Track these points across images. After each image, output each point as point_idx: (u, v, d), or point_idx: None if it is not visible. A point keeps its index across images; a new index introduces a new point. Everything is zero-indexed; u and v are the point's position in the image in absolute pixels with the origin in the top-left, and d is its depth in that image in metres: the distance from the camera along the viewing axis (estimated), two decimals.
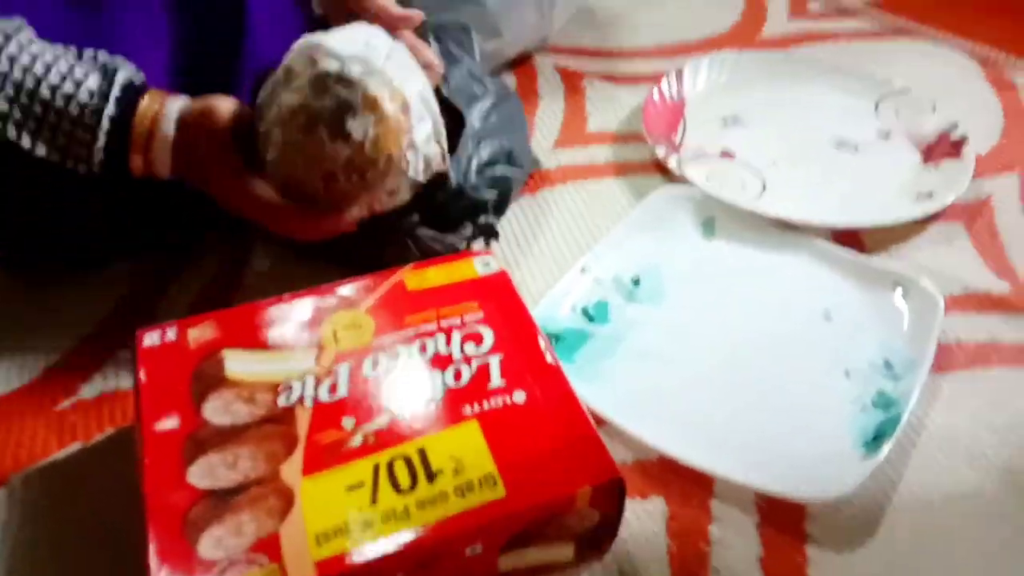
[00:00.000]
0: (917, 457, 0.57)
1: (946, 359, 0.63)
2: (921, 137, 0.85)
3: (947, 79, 0.95)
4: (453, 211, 0.67)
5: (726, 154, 0.83)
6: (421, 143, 0.57)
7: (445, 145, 0.60)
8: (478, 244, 0.69)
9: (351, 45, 0.55)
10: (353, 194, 0.56)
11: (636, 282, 0.69)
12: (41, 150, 0.54)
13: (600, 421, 0.57)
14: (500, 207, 0.70)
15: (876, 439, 0.56)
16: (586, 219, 0.77)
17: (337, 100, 0.53)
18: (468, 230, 0.67)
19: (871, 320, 0.65)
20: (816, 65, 0.94)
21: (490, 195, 0.68)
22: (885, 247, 0.73)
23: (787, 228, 0.73)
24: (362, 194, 0.56)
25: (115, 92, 0.54)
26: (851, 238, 0.73)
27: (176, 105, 0.56)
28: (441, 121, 0.60)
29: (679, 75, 0.91)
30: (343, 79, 0.53)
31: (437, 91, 0.67)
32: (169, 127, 0.55)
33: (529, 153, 0.75)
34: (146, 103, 0.55)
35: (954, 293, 0.69)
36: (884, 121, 0.87)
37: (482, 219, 0.68)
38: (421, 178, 0.58)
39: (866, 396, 0.60)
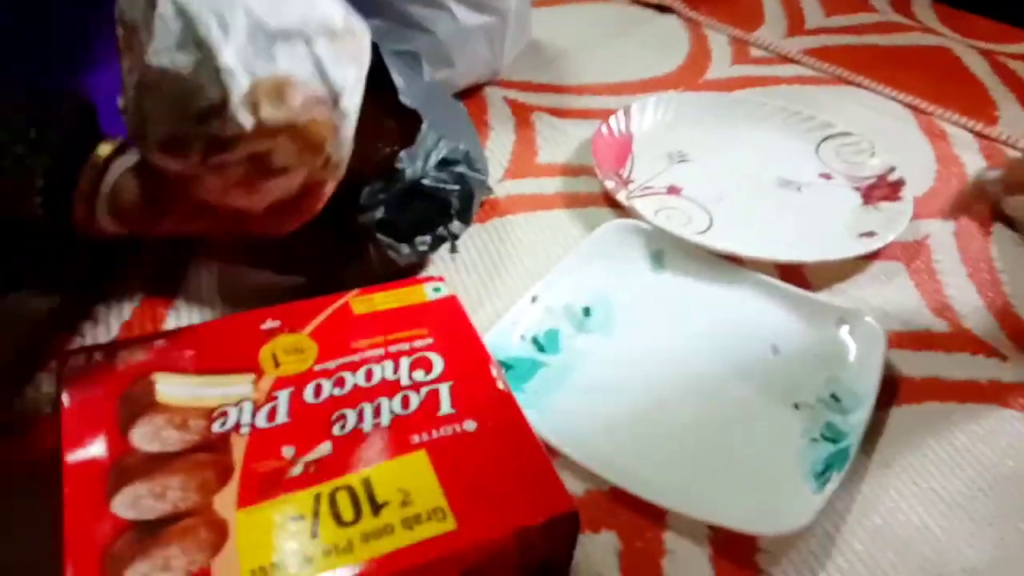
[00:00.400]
0: (867, 489, 0.57)
1: (892, 394, 0.64)
2: (861, 179, 0.87)
3: (883, 125, 0.98)
4: (414, 212, 0.65)
5: (673, 189, 0.84)
6: None
7: None
8: (438, 253, 0.67)
9: None
10: None
11: (587, 312, 0.68)
12: None
13: (551, 452, 0.55)
14: (464, 213, 0.69)
15: (825, 471, 0.56)
16: (537, 249, 0.76)
17: None
18: (427, 240, 0.66)
19: (818, 354, 0.66)
20: (760, 107, 0.96)
21: (452, 191, 0.67)
22: (828, 284, 0.74)
23: (734, 262, 0.74)
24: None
25: None
26: (795, 274, 0.74)
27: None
28: None
29: (627, 112, 0.92)
30: None
31: (393, 93, 0.66)
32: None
33: (486, 162, 0.74)
34: None
35: (896, 329, 0.70)
36: (825, 162, 0.89)
37: (442, 229, 0.67)
38: None
39: (815, 429, 0.60)
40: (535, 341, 0.66)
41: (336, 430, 0.47)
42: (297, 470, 0.45)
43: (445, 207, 0.68)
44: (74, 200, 0.51)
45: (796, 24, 1.22)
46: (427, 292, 0.57)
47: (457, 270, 0.73)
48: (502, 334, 0.65)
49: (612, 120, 0.90)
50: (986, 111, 1.03)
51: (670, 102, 0.95)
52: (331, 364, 0.51)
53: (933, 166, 0.92)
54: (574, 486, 0.56)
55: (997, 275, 0.77)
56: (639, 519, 0.54)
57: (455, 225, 0.69)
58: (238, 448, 0.46)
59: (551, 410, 0.60)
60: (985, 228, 0.83)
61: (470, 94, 0.96)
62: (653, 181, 0.85)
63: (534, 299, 0.68)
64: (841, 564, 0.53)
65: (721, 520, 0.52)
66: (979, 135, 0.98)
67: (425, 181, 0.65)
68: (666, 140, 0.91)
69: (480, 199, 0.73)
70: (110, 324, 0.64)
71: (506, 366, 0.63)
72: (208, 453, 0.45)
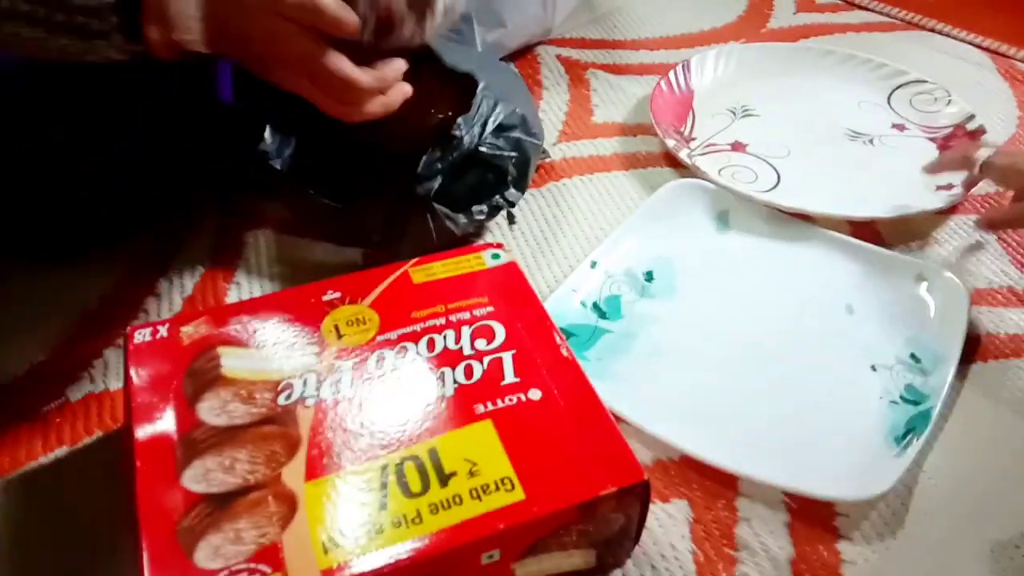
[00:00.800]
0: (945, 448, 0.54)
1: (973, 351, 0.61)
2: (936, 129, 0.82)
3: (959, 71, 0.93)
4: (471, 179, 0.64)
5: (738, 146, 0.81)
6: None
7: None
8: (495, 220, 0.66)
9: None
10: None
11: (649, 277, 0.67)
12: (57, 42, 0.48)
13: (617, 421, 0.54)
14: (520, 180, 0.68)
15: (907, 434, 0.53)
16: (595, 213, 0.74)
17: None
18: (484, 209, 0.65)
19: (896, 313, 0.63)
20: (826, 56, 0.91)
21: (509, 159, 0.66)
22: (905, 241, 0.71)
23: (803, 220, 0.71)
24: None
25: None
26: (869, 231, 0.71)
27: None
28: None
29: (686, 66, 0.89)
30: None
31: (440, 61, 0.65)
32: None
33: (541, 126, 0.72)
34: None
35: (978, 287, 0.66)
36: (898, 112, 0.85)
37: (498, 197, 0.65)
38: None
39: (894, 391, 0.57)
40: (596, 307, 0.64)
41: (402, 398, 0.46)
42: (363, 443, 0.44)
43: (502, 174, 0.67)
44: None
45: None
46: (486, 259, 0.56)
47: (515, 236, 0.71)
48: (562, 301, 0.63)
49: (671, 75, 0.87)
50: None
51: (731, 54, 0.92)
52: (393, 334, 0.50)
53: (1015, 112, 0.87)
54: (642, 455, 0.54)
55: None
56: (711, 487, 0.53)
57: (512, 193, 0.67)
58: (304, 420, 0.46)
59: (615, 378, 0.59)
60: None
61: (522, 54, 0.94)
62: (716, 138, 0.82)
63: (594, 264, 0.67)
64: (922, 525, 0.50)
65: (798, 486, 0.51)
66: None
67: (482, 148, 0.64)
68: (728, 94, 0.88)
69: (536, 164, 0.72)
70: (172, 299, 0.64)
71: (567, 333, 0.61)
72: (275, 426, 0.45)
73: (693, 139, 0.81)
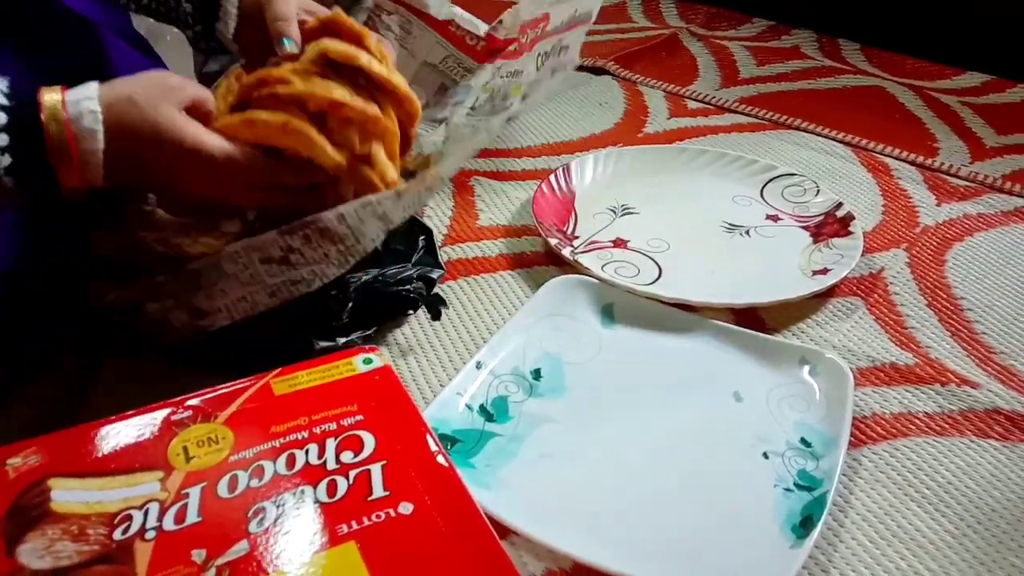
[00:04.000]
0: (848, 538, 0.53)
1: (864, 434, 0.60)
2: (809, 217, 0.85)
3: (826, 164, 0.98)
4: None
5: (619, 242, 0.81)
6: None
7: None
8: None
9: None
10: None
11: (536, 375, 0.64)
12: None
13: (505, 531, 0.51)
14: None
15: (803, 522, 0.51)
16: (481, 313, 0.72)
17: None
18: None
19: (783, 398, 0.62)
20: (700, 155, 0.95)
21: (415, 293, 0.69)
22: (786, 325, 0.71)
23: (687, 310, 0.70)
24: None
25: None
26: (751, 318, 0.71)
27: (92, 88, 0.49)
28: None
29: (567, 170, 0.90)
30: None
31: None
32: (91, 104, 0.48)
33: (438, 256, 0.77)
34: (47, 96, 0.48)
35: (861, 366, 0.67)
36: (771, 204, 0.88)
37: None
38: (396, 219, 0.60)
39: (788, 478, 0.55)
40: (483, 409, 0.61)
41: (254, 526, 0.42)
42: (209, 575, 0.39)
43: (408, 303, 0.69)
44: None
45: (730, 76, 1.22)
46: (357, 365, 0.53)
47: (396, 340, 0.69)
48: (446, 405, 0.60)
49: (552, 178, 0.88)
50: (925, 143, 1.03)
51: (610, 156, 0.94)
52: (248, 453, 0.46)
53: (879, 200, 0.91)
54: (532, 566, 0.51)
55: (956, 301, 0.75)
56: None
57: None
58: (142, 556, 0.40)
59: (503, 484, 0.55)
60: (939, 256, 0.81)
61: None
62: (598, 235, 0.82)
63: (479, 365, 0.64)
64: None
65: None
66: (921, 167, 0.97)
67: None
68: (608, 194, 0.89)
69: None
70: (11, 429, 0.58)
71: (452, 439, 0.58)
72: (108, 565, 0.40)
73: (576, 237, 0.82)
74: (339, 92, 0.57)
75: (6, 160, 0.47)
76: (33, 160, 0.47)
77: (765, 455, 0.57)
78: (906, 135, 1.04)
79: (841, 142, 1.03)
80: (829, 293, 0.75)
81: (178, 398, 0.50)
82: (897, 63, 1.26)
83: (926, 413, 0.62)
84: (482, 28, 0.80)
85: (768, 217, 0.86)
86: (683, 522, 0.53)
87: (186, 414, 0.48)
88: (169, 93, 0.52)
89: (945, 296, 0.75)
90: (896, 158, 0.99)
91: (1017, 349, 0.69)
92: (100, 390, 0.62)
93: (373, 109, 0.58)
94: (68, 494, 0.43)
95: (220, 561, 0.40)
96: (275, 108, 0.56)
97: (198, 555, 0.40)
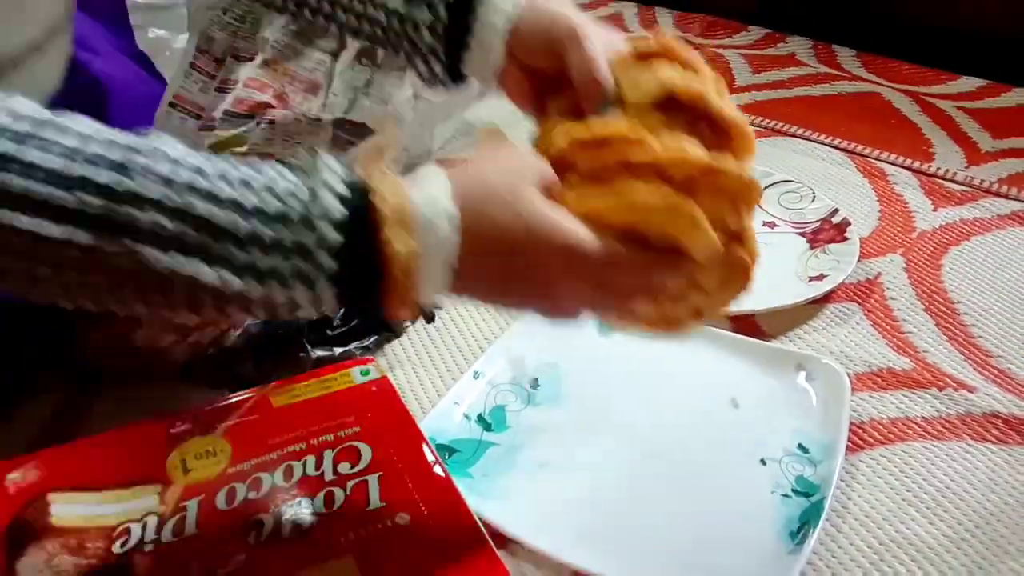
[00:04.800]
0: (847, 543, 0.53)
1: (862, 439, 0.61)
2: (805, 224, 0.85)
3: (822, 171, 0.98)
4: None
5: None
6: None
7: None
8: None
9: None
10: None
11: (535, 384, 0.65)
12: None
13: (504, 540, 0.51)
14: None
15: (801, 528, 0.51)
16: (478, 323, 0.72)
17: None
18: (367, 344, 0.64)
19: (780, 404, 0.62)
20: None
21: None
22: (783, 332, 0.71)
23: None
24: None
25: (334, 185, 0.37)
26: (748, 325, 0.71)
27: (439, 178, 0.39)
28: None
29: None
30: None
31: None
32: (446, 204, 0.38)
33: None
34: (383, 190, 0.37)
35: (858, 372, 0.67)
36: (768, 211, 0.88)
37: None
38: None
39: (785, 484, 0.55)
40: (480, 419, 0.61)
41: (251, 539, 0.42)
42: None
43: None
44: None
45: (726, 83, 1.23)
46: (355, 377, 0.53)
47: (394, 351, 0.69)
48: (444, 415, 0.60)
49: None
50: (921, 148, 1.03)
51: None
52: (246, 465, 0.46)
53: (876, 206, 0.91)
54: (532, 574, 0.51)
55: (953, 306, 0.75)
56: None
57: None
58: (141, 569, 0.41)
59: (502, 494, 0.55)
60: (936, 261, 0.81)
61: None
62: None
63: (477, 375, 0.64)
64: None
65: None
66: (918, 172, 0.98)
67: None
68: None
69: None
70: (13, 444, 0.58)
71: (450, 450, 0.58)
72: None
73: None
74: (706, 153, 0.43)
75: (329, 263, 0.36)
76: (364, 274, 0.37)
77: (763, 461, 0.57)
78: (902, 140, 1.04)
79: (837, 148, 1.03)
80: (826, 299, 0.75)
81: (176, 411, 0.50)
82: (893, 69, 1.26)
83: (923, 417, 0.63)
84: None
85: (765, 224, 0.86)
86: (681, 529, 0.53)
87: (184, 427, 0.49)
88: (526, 174, 0.41)
89: (942, 300, 0.76)
90: (892, 163, 0.99)
91: (1014, 352, 0.69)
92: (100, 406, 0.62)
93: (748, 172, 0.44)
94: (67, 508, 0.44)
95: (218, 573, 0.40)
96: (627, 178, 0.42)
97: (196, 568, 0.41)
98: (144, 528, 0.43)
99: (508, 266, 0.40)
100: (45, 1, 0.51)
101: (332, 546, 0.42)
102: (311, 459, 0.47)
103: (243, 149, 0.67)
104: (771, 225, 0.86)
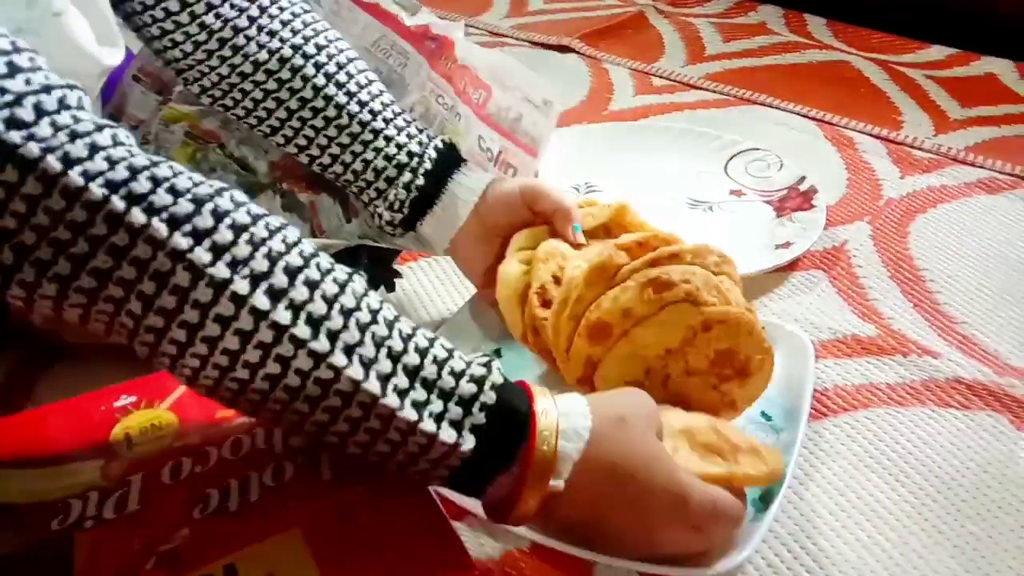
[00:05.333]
0: (808, 511, 0.52)
1: (825, 406, 0.60)
2: (772, 192, 0.85)
3: (790, 139, 0.97)
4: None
5: None
6: None
7: None
8: None
9: None
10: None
11: (498, 353, 0.64)
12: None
13: (462, 512, 0.50)
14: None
15: (764, 496, 0.51)
16: (442, 295, 0.71)
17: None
18: None
19: None
20: (664, 132, 0.94)
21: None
22: (749, 299, 0.70)
23: None
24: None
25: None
26: None
27: (581, 402, 0.43)
28: None
29: None
30: None
31: None
32: (583, 422, 0.41)
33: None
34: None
35: (823, 339, 0.67)
36: (735, 179, 0.87)
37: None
38: None
39: None
40: None
41: (197, 513, 0.41)
42: (149, 564, 0.38)
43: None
44: None
45: (696, 52, 1.22)
46: None
47: None
48: None
49: None
50: (890, 117, 1.03)
51: (573, 135, 0.93)
52: (193, 438, 0.45)
53: (844, 174, 0.91)
54: (491, 547, 0.50)
55: (919, 273, 0.74)
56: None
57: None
58: (81, 546, 0.39)
59: None
60: (902, 228, 0.81)
61: None
62: None
63: None
64: None
65: (655, 566, 0.47)
66: (886, 140, 0.97)
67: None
68: (573, 173, 0.88)
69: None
70: None
71: None
72: (45, 555, 0.39)
73: None
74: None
75: (466, 447, 0.39)
76: (494, 467, 0.40)
77: None
78: (871, 109, 1.04)
79: (806, 117, 1.03)
80: (791, 267, 0.74)
81: (122, 384, 0.48)
82: (862, 37, 1.26)
83: (887, 384, 0.62)
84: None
85: (732, 192, 0.85)
86: None
87: (129, 400, 0.47)
88: (654, 418, 0.45)
89: (908, 268, 0.75)
90: (860, 132, 0.99)
91: (978, 319, 0.69)
92: (49, 379, 0.60)
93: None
94: (6, 483, 0.42)
95: (161, 549, 0.39)
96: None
97: (139, 543, 0.39)
98: (85, 504, 0.41)
99: (609, 493, 0.42)
100: None
101: (280, 519, 0.40)
102: (260, 431, 0.45)
103: (185, 126, 0.65)
104: (738, 194, 0.85)
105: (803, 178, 0.85)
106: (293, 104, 0.58)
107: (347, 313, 0.38)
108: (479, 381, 0.40)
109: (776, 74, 1.15)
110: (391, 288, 0.69)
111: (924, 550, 0.50)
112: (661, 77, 1.14)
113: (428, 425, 0.38)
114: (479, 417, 0.40)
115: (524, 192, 0.60)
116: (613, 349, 0.52)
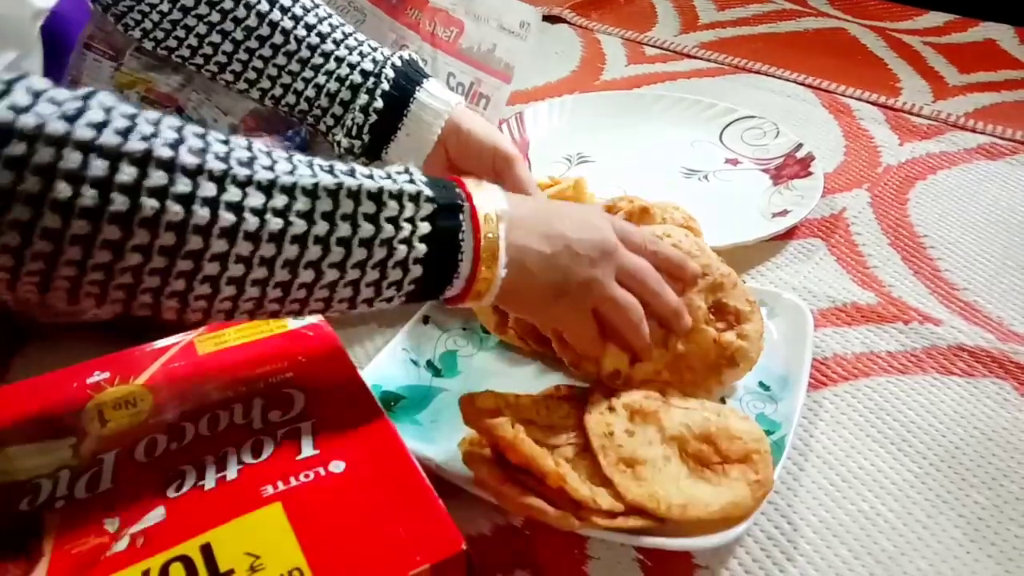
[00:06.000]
0: (808, 482, 0.51)
1: (824, 375, 0.59)
2: (768, 160, 0.82)
3: (787, 107, 0.95)
4: None
5: None
6: None
7: None
8: None
9: None
10: None
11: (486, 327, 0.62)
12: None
13: (454, 489, 0.48)
14: None
15: None
16: None
17: None
18: None
19: None
20: (657, 101, 0.92)
21: None
22: (745, 268, 0.69)
23: None
24: None
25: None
26: None
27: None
28: None
29: (519, 118, 0.87)
30: None
31: None
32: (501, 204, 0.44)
33: None
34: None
35: (822, 307, 0.65)
36: (730, 148, 0.85)
37: None
38: None
39: None
40: (430, 365, 0.58)
41: (171, 491, 0.39)
42: (121, 544, 0.37)
43: None
44: None
45: (690, 21, 1.19)
46: (288, 320, 0.50)
47: None
48: (391, 362, 0.57)
49: (505, 127, 0.85)
50: (888, 84, 1.01)
51: (564, 104, 0.90)
52: (168, 415, 0.43)
53: (841, 141, 0.89)
54: (481, 523, 0.48)
55: (919, 239, 0.73)
56: (557, 553, 0.47)
57: None
58: (50, 527, 0.37)
59: (451, 440, 0.52)
60: (902, 195, 0.79)
61: None
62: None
63: (426, 320, 0.61)
64: (790, 569, 0.46)
65: (650, 540, 0.45)
66: (884, 107, 0.95)
67: None
68: (564, 143, 0.86)
69: None
70: None
71: (396, 396, 0.55)
72: (12, 537, 0.37)
73: None
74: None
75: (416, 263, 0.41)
76: (446, 268, 0.42)
77: (723, 399, 0.55)
78: (868, 76, 1.02)
79: (802, 84, 1.00)
80: (789, 235, 0.72)
81: (96, 359, 0.46)
82: (859, 4, 1.23)
83: (888, 352, 0.61)
84: None
85: (727, 161, 0.83)
86: None
87: (103, 376, 0.45)
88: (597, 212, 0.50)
89: (908, 234, 0.74)
90: (858, 99, 0.97)
91: (980, 285, 0.67)
92: (22, 359, 0.58)
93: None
94: None
95: (134, 529, 0.37)
96: None
97: (111, 523, 0.37)
98: (56, 483, 0.39)
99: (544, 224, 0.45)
100: None
101: (259, 497, 0.39)
102: (238, 407, 0.43)
103: (140, 91, 0.63)
104: (734, 162, 0.83)
105: (800, 145, 0.82)
106: (238, 35, 0.56)
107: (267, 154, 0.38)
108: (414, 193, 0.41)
109: (771, 42, 1.13)
110: None
111: (928, 520, 0.48)
112: (654, 47, 1.11)
113: (391, 185, 0.40)
114: (427, 207, 0.41)
115: (489, 151, 0.58)
116: None
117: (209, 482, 0.39)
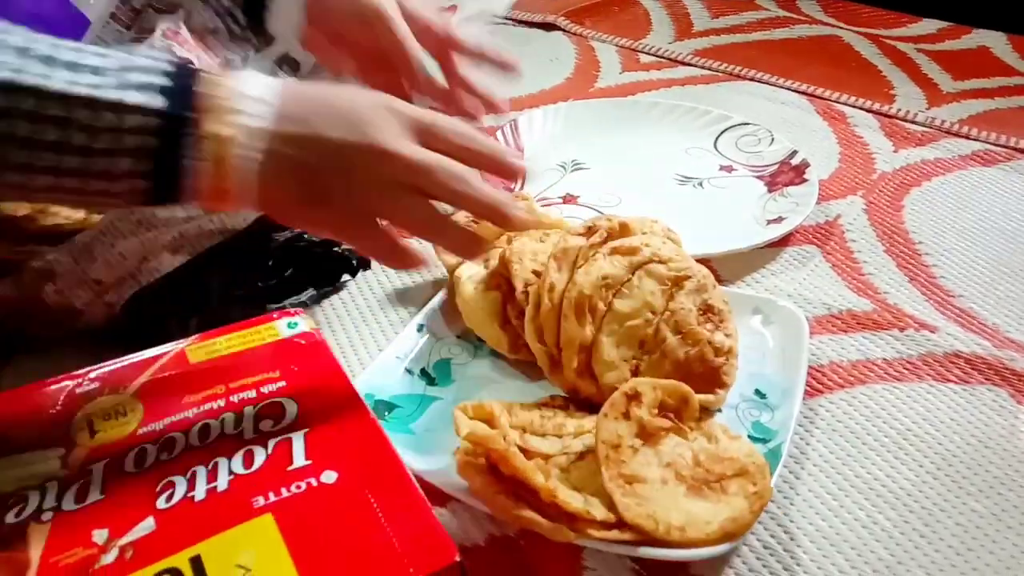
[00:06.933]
0: (805, 490, 0.51)
1: (820, 383, 0.58)
2: (763, 167, 0.82)
3: (781, 114, 0.95)
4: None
5: (569, 198, 0.78)
6: None
7: None
8: None
9: None
10: None
11: (481, 342, 0.61)
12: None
13: (446, 498, 0.48)
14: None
15: None
16: (424, 275, 0.69)
17: None
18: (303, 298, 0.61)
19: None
20: (652, 108, 0.92)
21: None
22: (741, 276, 0.69)
23: None
24: None
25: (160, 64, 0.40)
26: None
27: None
28: None
29: (514, 125, 0.87)
30: None
31: None
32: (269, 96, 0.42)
33: None
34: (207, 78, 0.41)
35: (817, 315, 0.65)
36: (725, 155, 0.85)
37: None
38: None
39: (742, 430, 0.53)
40: (424, 373, 0.58)
41: (161, 502, 0.38)
42: (110, 556, 0.36)
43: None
44: None
45: (684, 28, 1.19)
46: (280, 329, 0.50)
47: (333, 306, 0.65)
48: (384, 370, 0.57)
49: (499, 135, 0.85)
50: (882, 91, 1.01)
51: (559, 111, 0.90)
52: (159, 425, 0.42)
53: (836, 148, 0.89)
54: (475, 533, 0.48)
55: (914, 246, 0.73)
56: (552, 562, 0.46)
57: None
58: (37, 540, 0.37)
59: (444, 451, 0.52)
60: (896, 202, 0.79)
61: None
62: (547, 192, 0.79)
63: (420, 328, 0.61)
64: (789, 574, 0.46)
65: (646, 550, 0.45)
66: (878, 114, 0.95)
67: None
68: (558, 150, 0.86)
69: None
70: None
71: (390, 405, 0.55)
72: None
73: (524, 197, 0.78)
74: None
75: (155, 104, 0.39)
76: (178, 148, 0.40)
77: (719, 408, 0.55)
78: (863, 83, 1.02)
79: (797, 92, 1.01)
80: (784, 242, 0.72)
81: (85, 369, 0.46)
82: (852, 12, 1.24)
83: (884, 359, 0.60)
84: None
85: (722, 168, 0.83)
86: None
87: (93, 386, 0.45)
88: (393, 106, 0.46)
89: (903, 241, 0.73)
90: (852, 106, 0.97)
91: (975, 292, 0.67)
92: (10, 371, 0.58)
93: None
94: None
95: (123, 541, 0.37)
96: None
97: (99, 535, 0.37)
98: (43, 495, 0.39)
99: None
100: None
101: (249, 507, 0.38)
102: (230, 417, 0.43)
103: None
104: (728, 169, 0.83)
105: (794, 152, 0.82)
106: None
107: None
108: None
109: (765, 50, 1.13)
110: (367, 266, 0.67)
111: (925, 528, 0.48)
112: (648, 54, 1.11)
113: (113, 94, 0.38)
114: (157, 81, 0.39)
115: (361, 13, 0.57)
116: (602, 328, 0.52)
117: (200, 493, 0.39)
